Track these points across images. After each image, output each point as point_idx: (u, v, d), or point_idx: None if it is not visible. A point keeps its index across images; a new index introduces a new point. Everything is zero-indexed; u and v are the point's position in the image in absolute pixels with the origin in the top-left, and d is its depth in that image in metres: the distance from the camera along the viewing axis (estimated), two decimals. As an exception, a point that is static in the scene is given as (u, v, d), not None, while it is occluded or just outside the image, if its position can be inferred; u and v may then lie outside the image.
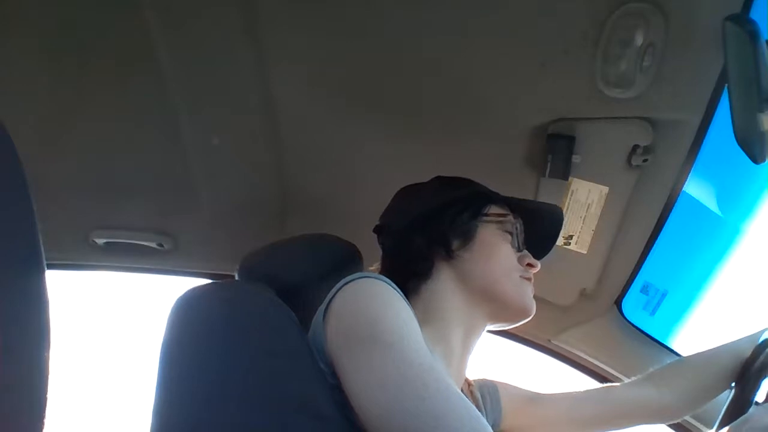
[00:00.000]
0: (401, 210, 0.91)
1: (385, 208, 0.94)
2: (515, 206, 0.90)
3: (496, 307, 0.83)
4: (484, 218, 0.86)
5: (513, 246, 0.87)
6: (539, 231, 0.92)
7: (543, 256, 0.93)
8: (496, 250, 0.85)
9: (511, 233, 0.87)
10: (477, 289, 0.82)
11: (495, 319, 0.85)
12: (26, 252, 0.39)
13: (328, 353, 0.65)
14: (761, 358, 0.91)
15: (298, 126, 1.11)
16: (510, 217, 0.88)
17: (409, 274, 0.84)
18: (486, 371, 1.01)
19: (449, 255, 0.83)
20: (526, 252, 0.89)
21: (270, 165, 1.19)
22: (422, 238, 0.85)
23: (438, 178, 0.94)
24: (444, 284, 0.83)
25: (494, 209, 0.88)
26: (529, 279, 0.86)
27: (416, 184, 0.94)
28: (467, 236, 0.84)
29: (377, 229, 0.93)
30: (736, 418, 0.77)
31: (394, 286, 0.70)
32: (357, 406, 0.59)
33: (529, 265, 0.87)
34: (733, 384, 0.94)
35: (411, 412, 0.54)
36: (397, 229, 0.88)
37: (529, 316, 0.84)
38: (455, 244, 0.84)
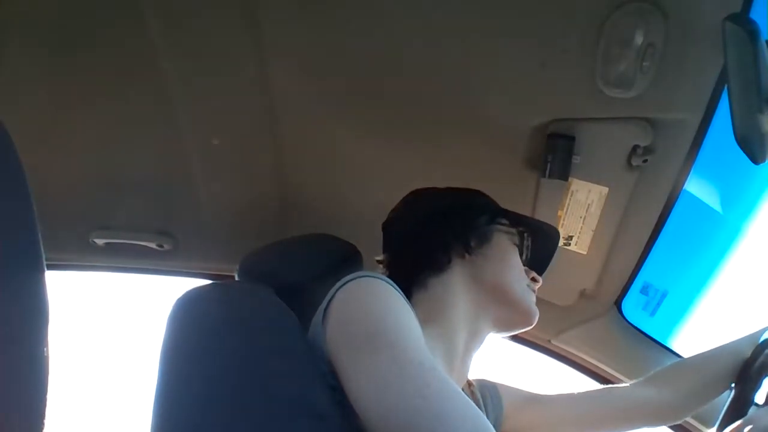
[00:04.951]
0: (418, 205, 0.93)
1: (397, 205, 0.95)
2: (519, 222, 0.93)
3: (503, 309, 0.85)
4: (499, 227, 0.90)
5: (517, 251, 0.90)
6: (536, 250, 0.96)
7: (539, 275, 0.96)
8: (509, 255, 0.88)
9: (518, 246, 0.91)
10: (488, 289, 0.84)
11: (499, 323, 0.87)
12: (26, 252, 0.39)
13: (327, 353, 0.65)
14: (761, 358, 0.91)
15: (298, 126, 1.11)
16: (521, 231, 0.92)
17: (419, 268, 0.85)
18: (486, 371, 1.01)
19: (467, 251, 0.85)
20: (528, 268, 0.92)
21: (270, 165, 1.19)
22: (442, 232, 0.86)
23: (450, 187, 0.97)
24: (456, 281, 0.84)
25: (506, 221, 0.91)
26: (533, 291, 0.89)
27: (429, 188, 0.96)
28: (484, 238, 0.87)
29: (387, 224, 0.94)
30: (736, 418, 0.77)
31: (395, 285, 0.70)
32: (357, 406, 0.59)
33: (534, 279, 0.90)
34: (733, 384, 0.94)
35: (412, 412, 0.54)
36: (414, 221, 0.90)
37: (533, 323, 0.87)
38: (473, 242, 0.86)
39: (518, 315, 0.86)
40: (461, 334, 0.82)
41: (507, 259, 0.87)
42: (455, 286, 0.84)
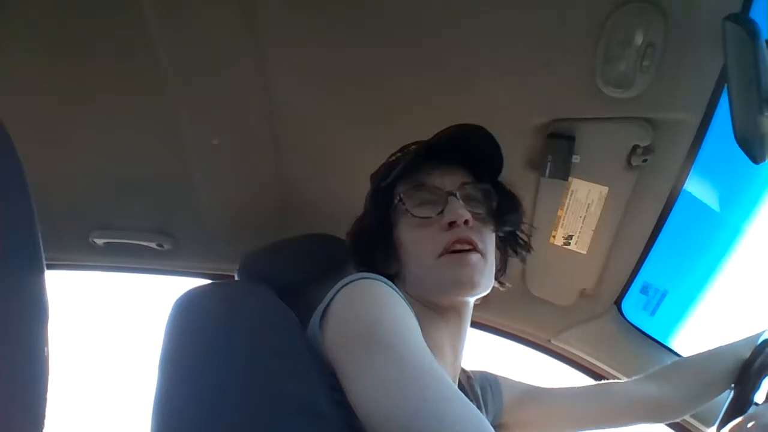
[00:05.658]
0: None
1: None
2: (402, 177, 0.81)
3: (433, 294, 0.78)
4: (399, 222, 0.82)
5: (420, 221, 0.78)
6: (467, 155, 0.82)
7: (499, 168, 0.84)
8: (409, 246, 0.80)
9: (408, 211, 0.79)
10: (413, 286, 0.80)
11: (448, 305, 0.80)
12: (26, 252, 0.39)
13: (325, 354, 0.65)
14: (761, 358, 0.92)
15: (298, 126, 1.11)
16: (396, 199, 0.82)
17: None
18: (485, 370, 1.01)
19: (397, 260, 0.81)
20: (445, 211, 0.77)
21: (270, 165, 1.19)
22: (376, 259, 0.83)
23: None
24: (406, 287, 0.80)
25: (400, 189, 0.82)
26: (458, 241, 0.75)
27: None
28: (390, 249, 0.82)
29: None
30: (736, 418, 0.77)
31: (394, 286, 0.70)
32: (358, 408, 0.59)
33: (450, 224, 0.76)
34: (733, 384, 0.94)
35: (412, 413, 0.54)
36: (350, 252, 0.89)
37: (463, 288, 0.75)
38: (389, 256, 0.82)
39: (442, 292, 0.77)
40: (437, 327, 0.79)
41: (409, 253, 0.79)
42: (408, 291, 0.79)
